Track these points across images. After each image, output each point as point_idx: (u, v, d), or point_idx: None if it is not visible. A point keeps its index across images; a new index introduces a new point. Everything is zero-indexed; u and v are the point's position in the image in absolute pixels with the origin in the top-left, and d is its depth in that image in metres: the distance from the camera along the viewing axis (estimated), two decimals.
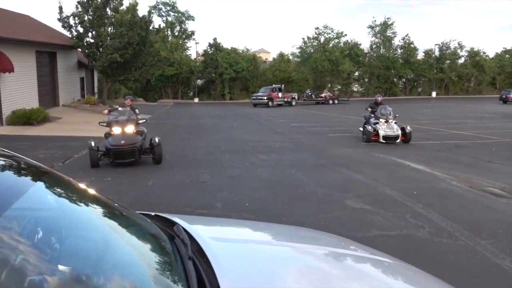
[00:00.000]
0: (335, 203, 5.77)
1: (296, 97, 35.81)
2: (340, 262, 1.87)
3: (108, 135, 9.26)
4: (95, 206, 1.93)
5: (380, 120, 13.22)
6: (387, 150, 11.68)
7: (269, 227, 2.34)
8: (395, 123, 13.28)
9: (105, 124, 9.37)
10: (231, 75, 40.89)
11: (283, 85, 36.78)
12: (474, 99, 44.92)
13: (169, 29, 43.72)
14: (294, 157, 10.64)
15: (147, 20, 21.15)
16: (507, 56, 51.29)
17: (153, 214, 2.22)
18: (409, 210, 5.99)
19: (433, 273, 3.98)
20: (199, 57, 43.18)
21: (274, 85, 36.55)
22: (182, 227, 1.90)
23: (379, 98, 14.48)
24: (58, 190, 1.72)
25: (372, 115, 13.64)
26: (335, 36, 46.61)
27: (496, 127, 18.25)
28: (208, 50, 42.16)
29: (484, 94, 49.43)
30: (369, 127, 13.25)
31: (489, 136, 14.88)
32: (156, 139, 9.20)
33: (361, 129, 14.22)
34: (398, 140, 12.90)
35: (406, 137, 13.02)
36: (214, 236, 1.92)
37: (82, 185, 2.00)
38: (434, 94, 48.13)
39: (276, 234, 2.16)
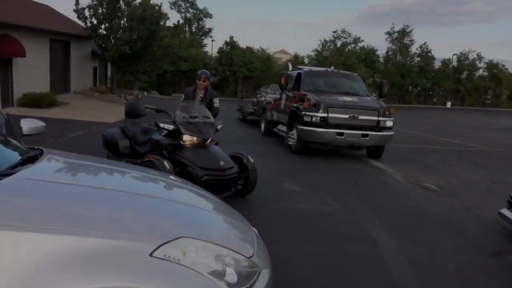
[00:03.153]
0: None
1: None
2: None
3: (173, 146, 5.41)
4: None
5: None
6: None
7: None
8: None
9: (171, 127, 5.46)
10: (244, 73, 41.66)
11: None
12: (490, 111, 44.43)
13: (187, 26, 44.93)
14: None
15: (157, 15, 22.16)
16: None
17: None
18: (334, 195, 6.67)
19: (316, 232, 4.71)
20: (213, 54, 44.21)
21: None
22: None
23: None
24: None
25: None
26: (352, 41, 46.82)
27: (487, 137, 18.50)
28: (224, 48, 43.06)
29: (502, 107, 48.78)
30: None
31: (473, 145, 15.25)
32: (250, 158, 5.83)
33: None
34: None
35: None
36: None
37: None
38: (449, 104, 47.79)
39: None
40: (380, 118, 9.70)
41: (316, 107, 9.54)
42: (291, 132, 10.31)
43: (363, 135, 9.46)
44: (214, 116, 6.38)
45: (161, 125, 5.54)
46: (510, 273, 4.10)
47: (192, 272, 1.81)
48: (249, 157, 5.93)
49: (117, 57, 21.61)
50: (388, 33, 47.46)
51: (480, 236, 5.15)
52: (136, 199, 2.21)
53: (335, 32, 47.10)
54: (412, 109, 44.64)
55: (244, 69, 41.34)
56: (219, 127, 5.96)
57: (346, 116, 9.45)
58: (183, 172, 5.25)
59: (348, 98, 10.06)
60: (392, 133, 10.01)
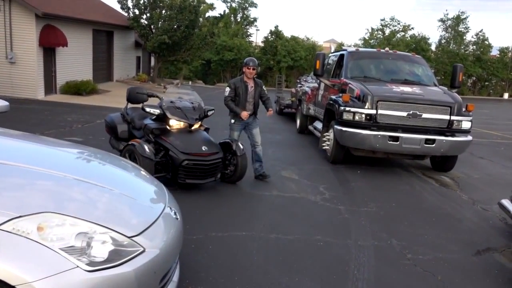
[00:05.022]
0: None
1: None
2: None
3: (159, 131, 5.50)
4: None
5: None
6: None
7: None
8: None
9: (157, 111, 5.56)
10: (288, 63, 41.37)
11: None
12: None
13: (232, 15, 45.14)
14: None
15: (196, 5, 22.39)
16: None
17: None
18: (332, 183, 6.47)
19: (291, 220, 4.61)
20: (256, 44, 44.21)
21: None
22: None
23: None
24: None
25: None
26: (401, 29, 45.05)
27: None
28: (269, 37, 42.93)
29: None
30: None
31: None
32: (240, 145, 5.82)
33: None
34: None
35: None
36: None
37: None
38: (506, 95, 44.86)
39: None
40: (453, 118, 7.16)
41: (360, 100, 7.21)
42: (326, 134, 8.12)
43: (427, 141, 7.03)
44: (269, 101, 6.45)
45: (147, 109, 5.63)
46: (484, 271, 3.79)
47: (39, 246, 1.82)
48: (239, 143, 5.87)
49: (156, 46, 22.10)
50: (442, 20, 45.20)
51: (473, 231, 4.81)
52: (25, 173, 2.24)
53: (383, 20, 45.52)
54: (464, 101, 42.28)
55: (288, 58, 41.01)
56: (210, 112, 5.95)
57: (404, 113, 7.04)
58: (166, 156, 5.31)
59: (407, 89, 7.52)
60: (469, 138, 7.50)
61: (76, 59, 18.66)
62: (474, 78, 46.73)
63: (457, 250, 4.21)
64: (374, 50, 10.33)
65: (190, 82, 37.46)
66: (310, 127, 10.57)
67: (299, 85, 14.90)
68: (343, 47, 12.12)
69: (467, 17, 44.56)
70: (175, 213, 2.66)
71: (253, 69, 6.08)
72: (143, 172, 3.15)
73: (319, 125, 9.50)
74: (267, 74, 43.55)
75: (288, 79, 43.21)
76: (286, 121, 14.68)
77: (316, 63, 8.93)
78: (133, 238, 2.11)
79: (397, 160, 8.69)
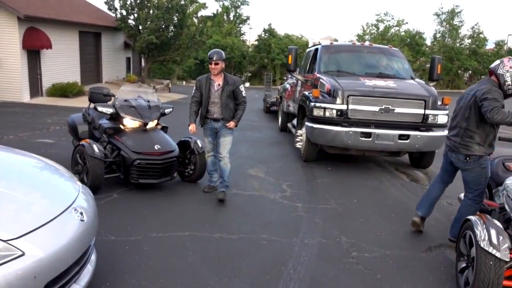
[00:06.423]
0: None
1: None
2: None
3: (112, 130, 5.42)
4: None
5: None
6: None
7: None
8: None
9: (110, 111, 5.50)
10: (282, 61, 41.19)
11: None
12: None
13: (224, 14, 44.99)
14: None
15: (183, 4, 22.28)
16: None
17: None
18: (298, 181, 6.36)
19: (241, 219, 4.50)
20: (250, 43, 44.11)
21: None
22: None
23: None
24: None
25: None
26: (395, 24, 44.86)
27: None
28: (263, 35, 42.82)
29: None
30: None
31: (505, 131, 14.11)
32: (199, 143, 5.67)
33: None
34: None
35: None
36: None
37: None
38: None
39: None
40: (428, 112, 6.82)
41: (331, 95, 6.91)
42: (300, 131, 7.89)
43: (401, 137, 6.72)
44: (243, 107, 5.24)
45: (100, 108, 5.53)
46: (430, 268, 3.67)
47: None
48: (198, 141, 5.75)
49: (144, 46, 22.00)
50: (436, 14, 44.98)
51: (431, 227, 4.68)
52: None
53: (378, 15, 45.37)
54: (459, 95, 41.99)
55: (282, 56, 40.85)
56: (167, 111, 5.84)
57: (376, 108, 6.72)
58: (119, 156, 5.21)
59: (380, 82, 7.17)
60: (446, 133, 7.21)
61: (62, 61, 18.56)
62: (470, 72, 46.58)
63: (407, 246, 4.10)
64: (349, 43, 10.10)
65: (184, 82, 37.38)
66: (289, 125, 10.35)
67: (286, 82, 14.00)
68: (320, 42, 11.96)
69: (461, 10, 44.31)
70: (81, 214, 2.55)
71: (216, 63, 5.02)
72: (64, 175, 3.03)
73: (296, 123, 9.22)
74: (262, 72, 43.46)
75: (282, 77, 43.16)
76: (271, 119, 14.52)
77: (288, 58, 8.71)
78: (9, 242, 2.01)
79: (374, 156, 8.56)
